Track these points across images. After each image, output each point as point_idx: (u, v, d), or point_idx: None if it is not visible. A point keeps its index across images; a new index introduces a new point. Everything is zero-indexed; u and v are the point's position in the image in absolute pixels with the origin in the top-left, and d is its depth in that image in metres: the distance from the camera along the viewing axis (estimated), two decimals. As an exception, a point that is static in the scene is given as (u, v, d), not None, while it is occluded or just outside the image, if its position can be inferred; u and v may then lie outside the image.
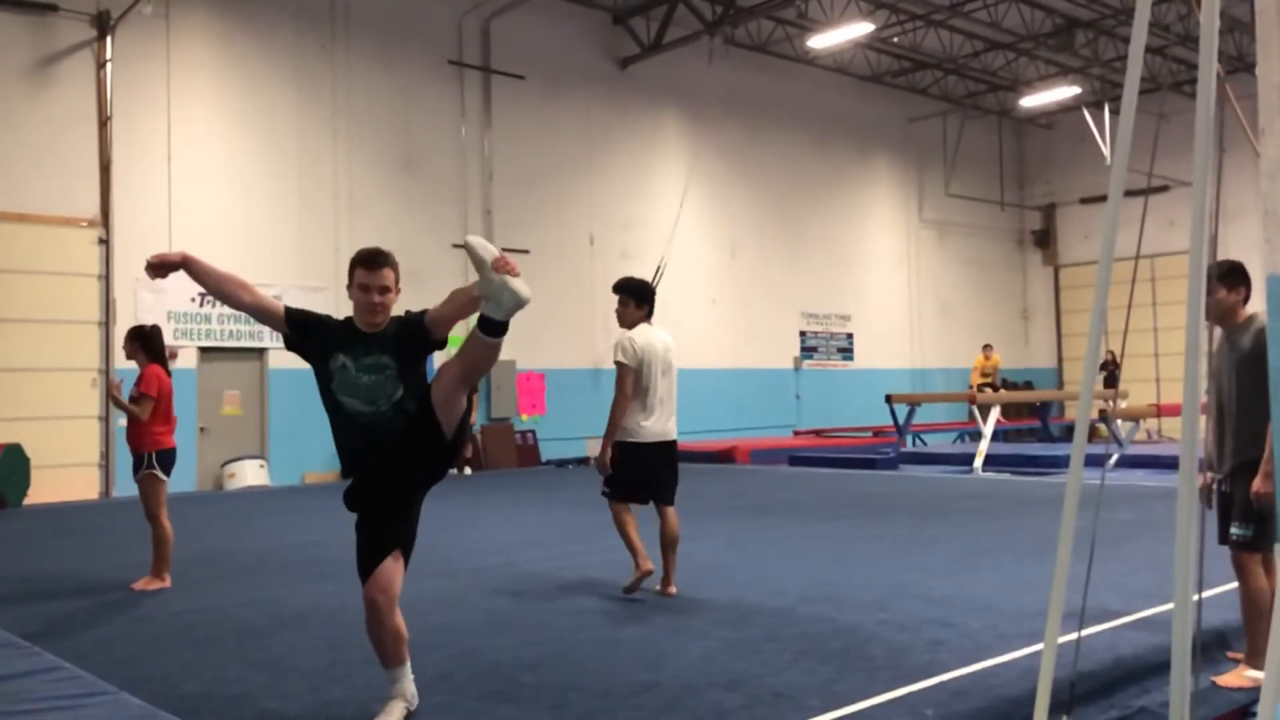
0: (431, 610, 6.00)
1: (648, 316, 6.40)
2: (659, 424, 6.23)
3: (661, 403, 6.24)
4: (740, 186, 21.84)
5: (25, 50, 13.91)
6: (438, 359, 4.19)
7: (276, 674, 4.65)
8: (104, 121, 14.36)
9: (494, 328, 3.69)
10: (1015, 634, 5.00)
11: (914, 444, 19.22)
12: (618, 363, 6.21)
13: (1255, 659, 4.30)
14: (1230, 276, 4.38)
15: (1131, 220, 4.42)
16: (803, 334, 22.91)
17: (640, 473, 6.18)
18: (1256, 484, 4.12)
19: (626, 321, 6.37)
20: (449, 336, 3.93)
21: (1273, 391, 2.48)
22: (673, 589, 6.14)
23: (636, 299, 6.37)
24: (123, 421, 14.36)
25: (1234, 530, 4.30)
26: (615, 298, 6.50)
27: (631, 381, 6.15)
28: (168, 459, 7.07)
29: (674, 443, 6.32)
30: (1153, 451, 15.83)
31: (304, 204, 16.15)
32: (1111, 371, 21.12)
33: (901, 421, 17.02)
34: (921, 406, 18.24)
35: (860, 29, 19.01)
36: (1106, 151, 23.55)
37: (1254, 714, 3.87)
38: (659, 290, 21.24)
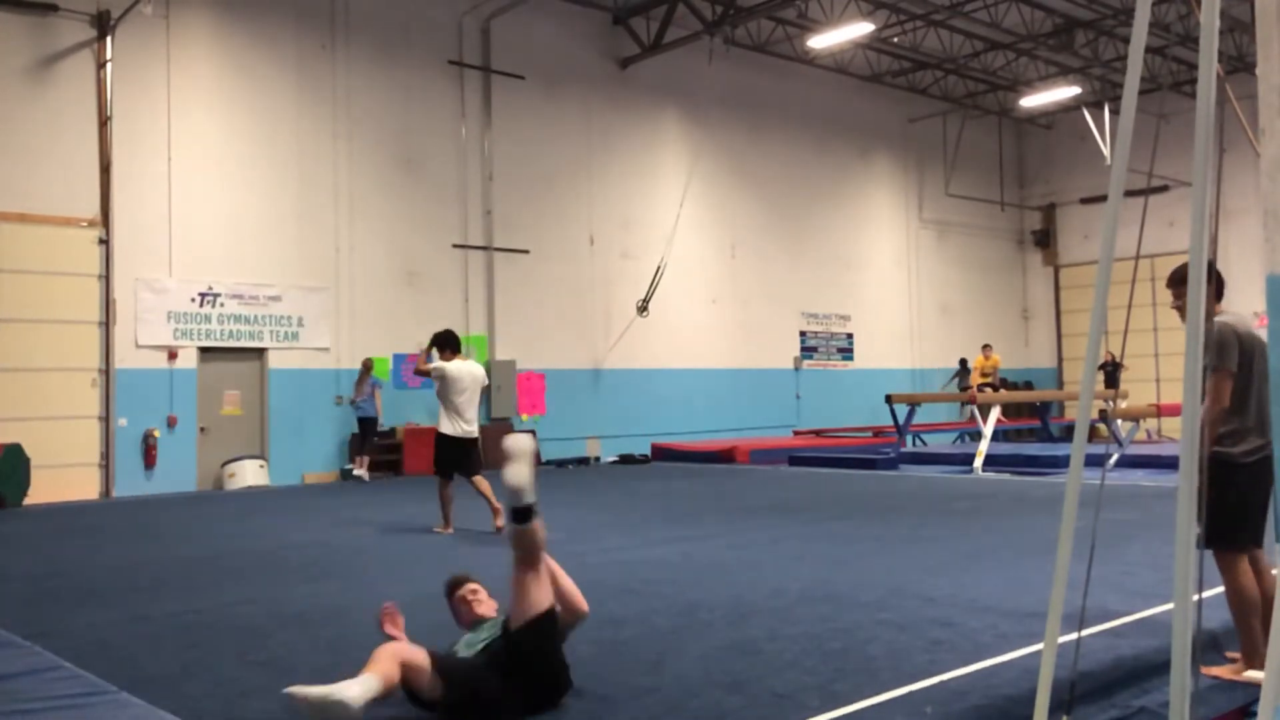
0: (431, 610, 6.00)
1: (455, 354, 9.42)
2: (463, 427, 9.32)
3: (463, 412, 9.32)
4: (740, 186, 21.84)
5: (25, 50, 13.91)
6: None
7: (276, 674, 4.65)
8: (104, 121, 14.36)
9: (518, 515, 4.16)
10: (1015, 634, 5.00)
11: (914, 444, 19.22)
12: (437, 377, 9.33)
13: (1250, 659, 4.30)
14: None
15: (1131, 220, 4.42)
16: (803, 334, 22.92)
17: (452, 457, 9.31)
18: None
19: (445, 359, 9.36)
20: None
21: (1273, 393, 2.48)
22: (500, 522, 8.78)
23: (440, 346, 9.43)
24: (123, 421, 14.48)
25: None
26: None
27: (443, 390, 9.30)
28: None
29: (476, 439, 9.47)
30: (1153, 451, 15.83)
31: (304, 204, 16.15)
32: (1111, 372, 21.12)
33: (901, 421, 17.02)
34: (921, 406, 18.24)
35: (860, 29, 19.01)
36: (1106, 151, 23.55)
37: (1254, 714, 3.87)
38: (659, 289, 21.14)
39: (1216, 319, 4.34)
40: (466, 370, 9.42)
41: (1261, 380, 4.38)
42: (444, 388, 9.32)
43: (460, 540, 8.96)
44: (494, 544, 8.37)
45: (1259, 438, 4.34)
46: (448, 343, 9.43)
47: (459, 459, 9.36)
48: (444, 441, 9.33)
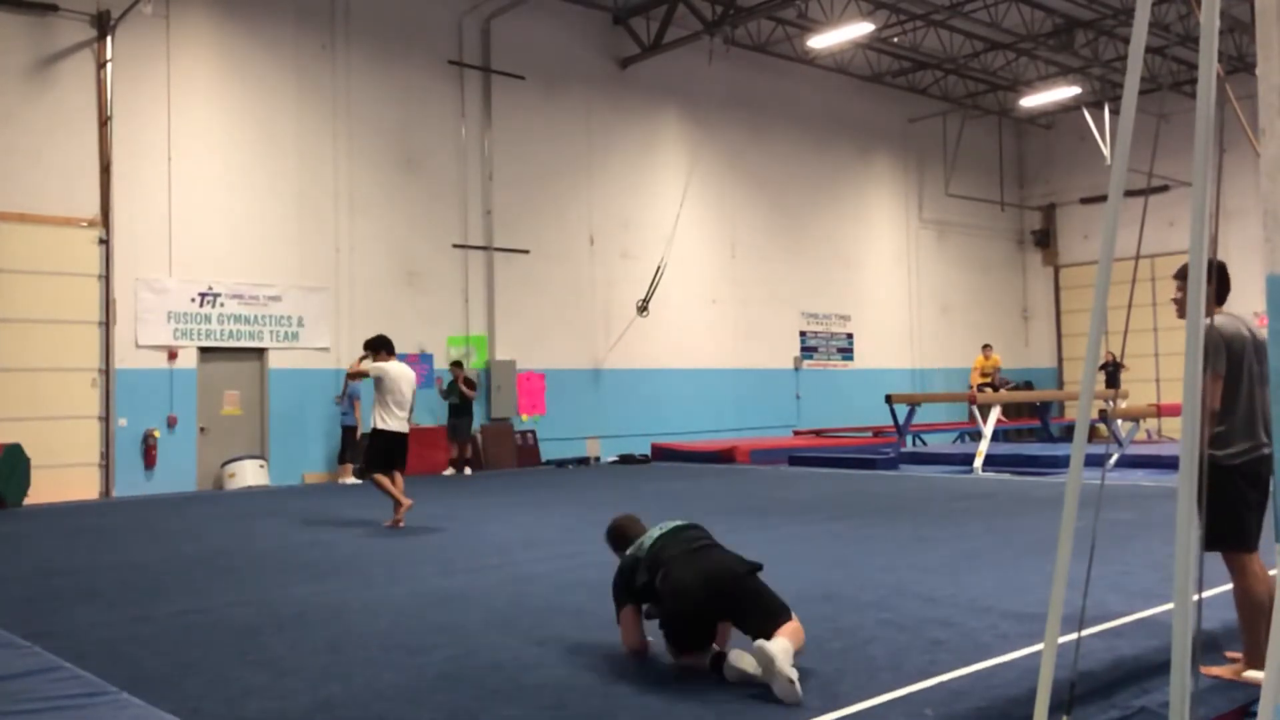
0: (431, 610, 6.01)
1: (390, 355, 10.14)
2: (399, 422, 9.97)
3: (399, 409, 9.96)
4: (740, 186, 21.84)
5: (25, 50, 13.91)
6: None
7: (276, 674, 4.65)
8: (104, 121, 14.36)
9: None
10: (1015, 634, 5.00)
11: (914, 444, 19.22)
12: (376, 378, 10.01)
13: (1251, 661, 4.30)
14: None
15: (1131, 220, 4.42)
16: (803, 334, 22.91)
17: (387, 450, 9.90)
18: None
19: (381, 360, 10.06)
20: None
21: (1273, 392, 2.48)
22: (402, 523, 9.84)
23: (375, 349, 10.16)
24: (123, 421, 14.48)
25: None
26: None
27: (383, 389, 9.93)
28: None
29: (406, 435, 10.09)
30: (1153, 451, 15.82)
31: (304, 204, 16.15)
32: (1112, 372, 21.12)
33: (901, 421, 17.02)
34: (921, 406, 18.24)
35: (860, 29, 19.00)
36: (1106, 151, 23.55)
37: (1254, 714, 3.87)
38: (659, 289, 21.18)
39: (1205, 320, 4.32)
40: (401, 370, 10.13)
41: (1255, 382, 4.36)
42: (381, 387, 10.00)
43: (454, 538, 8.96)
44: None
45: (1248, 440, 4.32)
46: (383, 345, 10.20)
47: (394, 452, 9.99)
48: (382, 436, 9.95)
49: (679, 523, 4.95)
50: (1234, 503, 4.29)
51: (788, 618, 4.39)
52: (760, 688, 4.17)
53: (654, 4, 19.36)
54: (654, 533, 4.87)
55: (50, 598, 6.66)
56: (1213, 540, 4.21)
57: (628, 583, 4.79)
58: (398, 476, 10.03)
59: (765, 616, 4.37)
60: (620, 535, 5.21)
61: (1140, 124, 3.06)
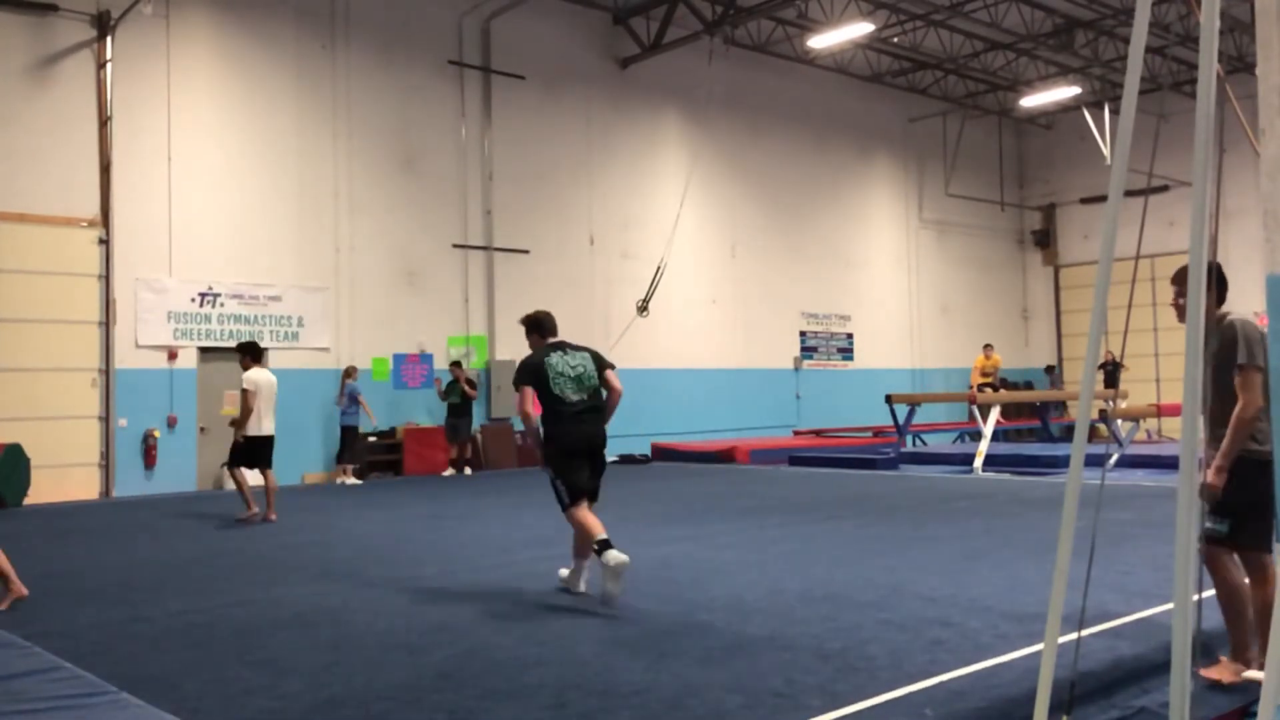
0: (431, 610, 6.01)
1: (256, 361, 10.63)
2: (265, 427, 10.56)
3: (266, 415, 10.54)
4: (740, 186, 21.84)
5: (25, 50, 13.91)
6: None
7: (276, 674, 4.65)
8: (104, 121, 14.36)
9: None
10: (1015, 634, 5.00)
11: (914, 444, 19.21)
12: (243, 390, 10.47)
13: (1240, 654, 4.29)
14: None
15: (1131, 220, 4.43)
16: (803, 334, 22.92)
17: (252, 451, 10.57)
18: (1210, 476, 4.14)
19: (246, 368, 10.54)
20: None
21: (1273, 392, 2.48)
22: (273, 516, 10.59)
23: (245, 354, 10.64)
24: (123, 421, 14.47)
25: (1208, 523, 4.27)
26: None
27: (251, 400, 10.42)
28: None
29: (271, 437, 10.66)
30: (1153, 451, 15.82)
31: (304, 204, 16.14)
32: (1111, 372, 21.12)
33: (901, 421, 17.02)
34: (921, 406, 18.23)
35: (860, 29, 19.00)
36: (1106, 151, 23.55)
37: (1254, 714, 3.87)
38: (659, 289, 21.20)
39: (1231, 316, 4.33)
40: (265, 379, 10.65)
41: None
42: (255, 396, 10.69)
43: (454, 538, 8.97)
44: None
45: None
46: (249, 351, 10.71)
47: (256, 453, 10.64)
48: (249, 440, 10.59)
49: (577, 371, 6.72)
50: (1271, 498, 4.25)
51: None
52: (764, 687, 4.18)
53: (654, 4, 19.37)
54: (556, 364, 6.59)
55: (50, 598, 6.65)
56: (1245, 536, 4.19)
57: (535, 372, 6.49)
58: (270, 475, 10.71)
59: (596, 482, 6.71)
60: (539, 326, 6.72)
61: (1140, 124, 3.06)
